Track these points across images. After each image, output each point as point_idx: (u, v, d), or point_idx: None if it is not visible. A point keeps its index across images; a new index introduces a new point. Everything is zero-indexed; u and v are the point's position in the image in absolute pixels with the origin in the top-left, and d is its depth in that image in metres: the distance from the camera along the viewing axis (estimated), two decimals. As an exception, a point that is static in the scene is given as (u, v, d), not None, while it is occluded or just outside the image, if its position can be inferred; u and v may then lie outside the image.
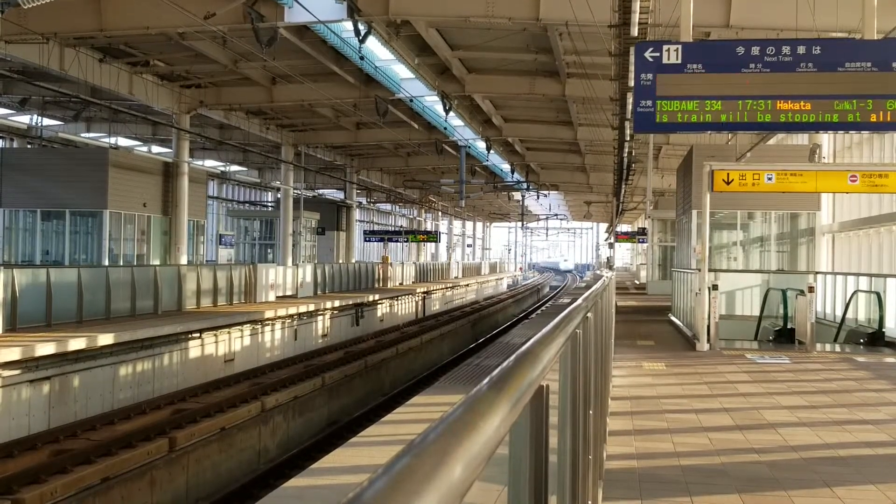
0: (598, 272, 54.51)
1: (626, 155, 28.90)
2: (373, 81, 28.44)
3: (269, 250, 43.11)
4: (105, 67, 25.72)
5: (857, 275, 19.38)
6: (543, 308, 44.69)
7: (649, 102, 13.01)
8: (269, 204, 54.49)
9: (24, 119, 34.71)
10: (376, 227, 66.02)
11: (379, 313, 34.98)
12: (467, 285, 57.28)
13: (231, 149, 42.37)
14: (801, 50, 12.83)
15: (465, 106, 33.30)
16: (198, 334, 20.26)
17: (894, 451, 7.95)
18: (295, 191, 40.77)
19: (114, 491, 12.07)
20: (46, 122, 35.01)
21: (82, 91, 25.80)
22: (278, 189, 44.06)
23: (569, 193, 68.32)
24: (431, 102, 32.44)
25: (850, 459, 7.48)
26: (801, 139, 26.11)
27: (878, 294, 17.17)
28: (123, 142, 40.25)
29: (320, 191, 50.80)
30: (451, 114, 31.30)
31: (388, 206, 68.02)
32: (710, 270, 17.32)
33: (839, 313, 18.97)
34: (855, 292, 18.26)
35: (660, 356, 14.93)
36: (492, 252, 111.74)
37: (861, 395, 10.97)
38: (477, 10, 19.85)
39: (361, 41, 20.95)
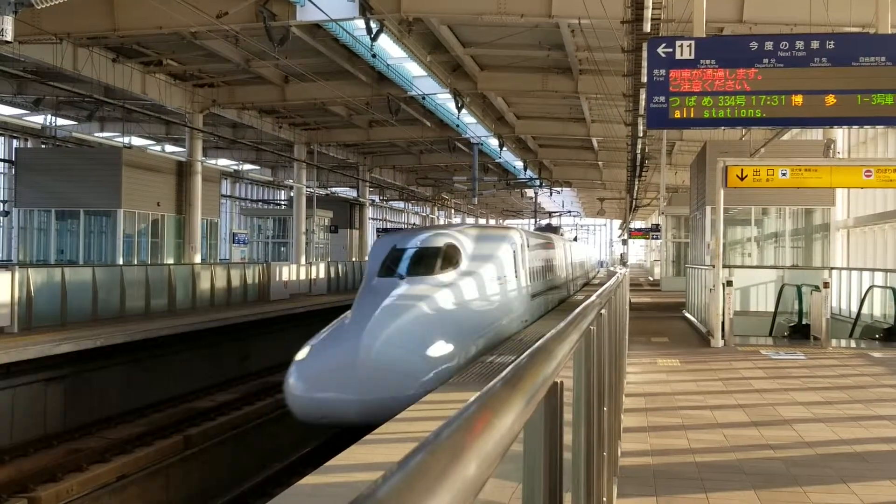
0: (611, 269, 54.41)
1: (639, 151, 28.84)
2: (385, 79, 28.43)
3: (282, 248, 43.20)
4: (118, 67, 25.79)
5: (873, 270, 19.28)
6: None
7: (662, 98, 12.98)
8: (283, 202, 54.58)
9: (38, 119, 34.86)
10: (389, 225, 66.08)
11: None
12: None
13: (244, 147, 42.43)
14: (815, 45, 12.77)
15: (477, 103, 33.26)
16: (212, 333, 20.30)
17: (911, 447, 7.90)
18: (308, 189, 40.83)
19: (129, 489, 12.11)
20: (60, 121, 35.16)
21: (96, 91, 25.87)
22: (291, 187, 44.13)
23: (582, 190, 68.24)
24: (444, 100, 32.41)
25: (866, 455, 7.44)
26: (816, 134, 26.00)
27: (893, 289, 17.07)
28: (137, 141, 40.38)
29: (333, 189, 50.88)
30: (464, 111, 31.26)
31: (400, 204, 68.05)
32: (724, 266, 17.25)
33: (854, 309, 18.88)
34: (870, 288, 18.17)
35: (674, 352, 14.89)
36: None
37: (877, 391, 10.91)
38: (489, 6, 19.82)
39: (373, 39, 20.95)
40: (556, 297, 23.34)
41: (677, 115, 12.99)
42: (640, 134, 25.09)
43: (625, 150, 32.62)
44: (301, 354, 12.09)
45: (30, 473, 11.66)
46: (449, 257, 14.37)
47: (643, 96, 17.06)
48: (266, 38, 20.43)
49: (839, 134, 24.28)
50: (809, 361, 13.91)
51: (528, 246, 17.90)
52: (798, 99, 12.81)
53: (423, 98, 31.20)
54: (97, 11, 20.98)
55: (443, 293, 13.40)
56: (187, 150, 32.11)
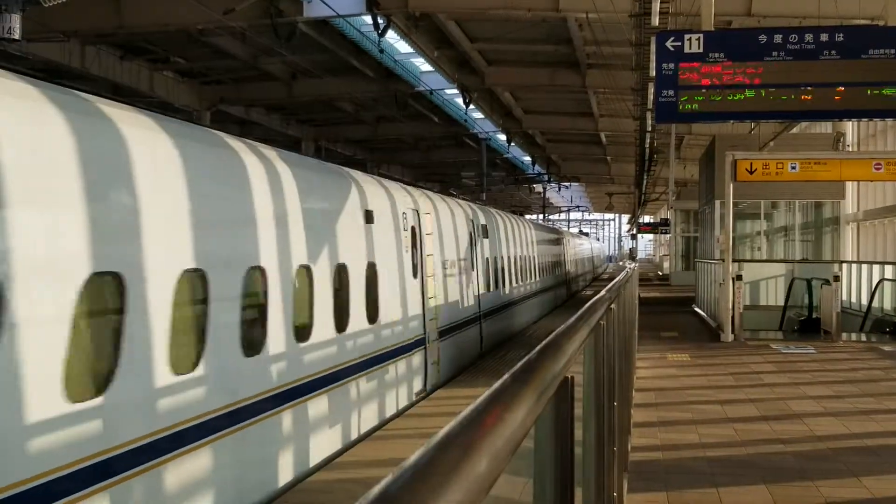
0: (620, 263, 54.36)
1: (647, 145, 28.80)
2: (392, 75, 28.42)
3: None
4: (126, 65, 25.84)
5: (883, 263, 19.21)
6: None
7: (671, 92, 12.94)
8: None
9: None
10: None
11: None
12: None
13: (252, 144, 42.47)
14: (824, 38, 12.72)
15: (485, 98, 33.23)
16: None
17: (922, 441, 7.87)
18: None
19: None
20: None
21: (103, 89, 25.88)
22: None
23: (590, 185, 68.10)
24: (451, 95, 32.41)
25: (877, 449, 7.42)
26: (825, 128, 25.91)
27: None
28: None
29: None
30: (471, 106, 31.25)
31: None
32: (733, 261, 17.22)
33: (865, 302, 18.82)
34: (881, 281, 18.10)
35: (684, 347, 14.87)
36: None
37: (888, 385, 10.88)
38: (496, 1, 19.78)
39: (381, 35, 20.93)
40: None
41: (686, 108, 12.96)
42: (649, 128, 25.06)
43: (633, 144, 32.56)
44: None
45: None
46: None
47: (651, 90, 17.02)
48: (273, 34, 20.44)
49: (848, 127, 24.19)
50: (820, 355, 13.88)
51: None
52: (807, 92, 12.77)
53: (431, 93, 31.18)
54: (104, 9, 21.02)
55: None
56: (195, 147, 32.11)
